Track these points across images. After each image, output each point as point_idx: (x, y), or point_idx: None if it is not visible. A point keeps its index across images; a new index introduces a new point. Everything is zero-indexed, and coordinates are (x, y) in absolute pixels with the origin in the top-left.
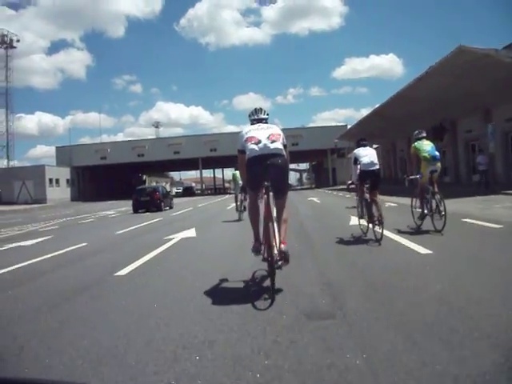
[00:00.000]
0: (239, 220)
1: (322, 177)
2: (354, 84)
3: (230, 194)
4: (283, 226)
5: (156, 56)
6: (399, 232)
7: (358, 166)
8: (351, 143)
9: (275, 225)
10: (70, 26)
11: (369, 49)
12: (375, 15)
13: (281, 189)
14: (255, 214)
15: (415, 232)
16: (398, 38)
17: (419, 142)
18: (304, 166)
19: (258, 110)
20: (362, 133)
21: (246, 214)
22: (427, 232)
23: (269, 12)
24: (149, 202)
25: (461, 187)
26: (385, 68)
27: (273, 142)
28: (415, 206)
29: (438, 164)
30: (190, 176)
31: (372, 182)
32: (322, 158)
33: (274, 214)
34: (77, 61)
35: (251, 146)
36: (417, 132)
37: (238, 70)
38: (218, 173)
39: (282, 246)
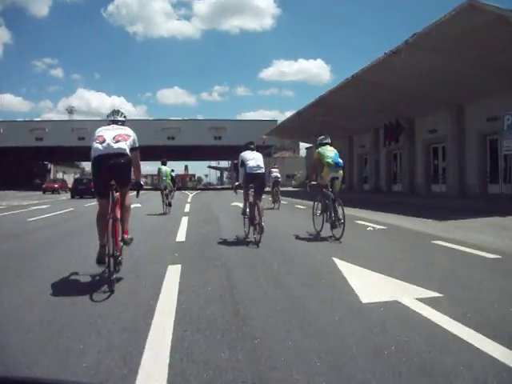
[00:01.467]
0: (165, 214)
1: None
2: (281, 86)
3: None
4: (125, 215)
5: (80, 41)
6: (296, 238)
7: (245, 169)
8: (286, 141)
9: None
10: None
11: (298, 52)
12: (307, 20)
13: (124, 185)
14: (104, 220)
15: (313, 238)
16: (327, 45)
17: (323, 147)
18: (225, 163)
19: (115, 112)
20: (298, 128)
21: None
22: (326, 239)
23: (200, 6)
24: (85, 190)
25: (418, 198)
26: (312, 73)
27: (117, 141)
28: (316, 212)
29: (340, 171)
30: None
31: (256, 186)
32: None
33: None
34: None
35: (96, 145)
36: (322, 137)
37: (164, 63)
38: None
39: (125, 236)
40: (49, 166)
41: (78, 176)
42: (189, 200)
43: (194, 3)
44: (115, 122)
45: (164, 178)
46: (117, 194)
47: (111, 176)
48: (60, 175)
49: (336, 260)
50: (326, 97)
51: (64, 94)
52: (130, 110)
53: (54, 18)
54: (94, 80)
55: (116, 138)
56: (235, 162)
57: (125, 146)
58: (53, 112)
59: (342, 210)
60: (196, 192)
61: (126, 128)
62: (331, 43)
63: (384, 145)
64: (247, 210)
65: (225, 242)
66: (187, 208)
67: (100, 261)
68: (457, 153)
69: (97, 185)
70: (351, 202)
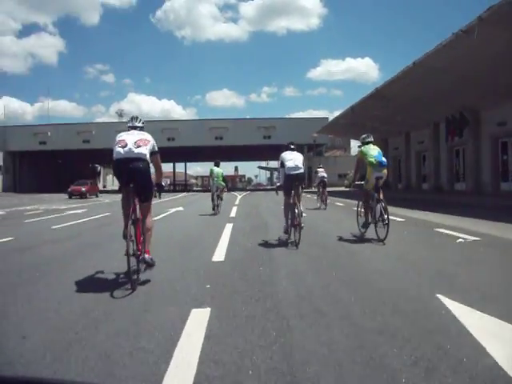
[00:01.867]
0: (214, 214)
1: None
2: (329, 86)
3: (193, 191)
4: (147, 235)
5: (130, 47)
6: (340, 239)
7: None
8: (337, 139)
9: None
10: (43, 9)
11: (345, 51)
12: (354, 19)
13: (143, 193)
14: (127, 208)
15: (357, 240)
16: (375, 43)
17: (366, 146)
18: (275, 163)
19: (133, 118)
20: (351, 124)
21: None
22: (369, 241)
23: (247, 8)
24: None
25: (486, 197)
26: (360, 72)
27: (138, 146)
28: (360, 213)
29: (385, 170)
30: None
31: (295, 186)
32: None
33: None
34: (49, 46)
35: (118, 148)
36: (364, 136)
37: (212, 66)
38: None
39: (146, 256)
40: (98, 168)
41: None
42: (237, 202)
43: (240, 5)
44: (134, 128)
45: (216, 179)
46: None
47: (130, 179)
48: (110, 177)
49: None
50: (383, 89)
51: (115, 98)
52: (180, 112)
53: (105, 26)
54: (144, 84)
55: (137, 143)
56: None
57: (145, 151)
58: (105, 116)
59: (387, 210)
60: (245, 193)
61: (145, 133)
62: (379, 41)
63: (446, 140)
64: (289, 212)
65: (273, 260)
66: (233, 212)
67: (125, 236)
68: None
69: (120, 186)
70: (414, 203)
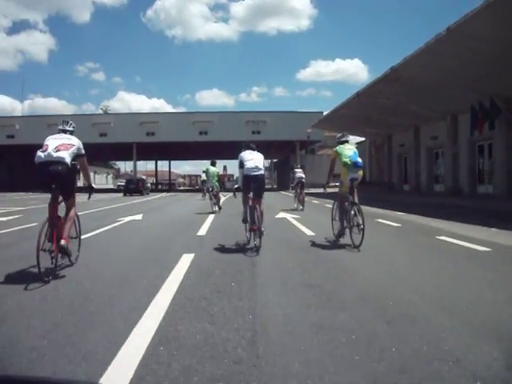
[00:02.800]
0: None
1: (285, 176)
2: (319, 87)
3: (178, 190)
4: (67, 224)
5: (121, 45)
6: (313, 244)
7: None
8: (329, 138)
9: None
10: (33, 7)
11: (335, 52)
12: (344, 20)
13: (64, 192)
14: (50, 208)
15: (330, 245)
16: (364, 44)
17: (341, 146)
18: (265, 162)
19: (64, 122)
20: (353, 116)
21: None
22: (343, 247)
23: (237, 8)
24: (134, 189)
25: None
26: (350, 73)
27: (58, 151)
28: (335, 216)
29: (360, 172)
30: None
31: (255, 188)
32: (289, 153)
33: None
34: (39, 43)
35: (39, 153)
36: (340, 135)
37: (202, 65)
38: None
39: (62, 241)
40: (77, 165)
41: (128, 178)
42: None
43: (231, 5)
44: (64, 132)
45: (211, 179)
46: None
47: (51, 181)
48: (91, 176)
49: None
50: (400, 68)
51: (105, 97)
52: (170, 111)
53: (96, 24)
54: (134, 83)
55: (58, 148)
56: (274, 160)
57: (65, 154)
58: None
59: (361, 213)
60: (231, 194)
61: (72, 137)
62: (368, 43)
63: (471, 133)
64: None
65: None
66: (205, 226)
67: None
68: None
69: (39, 187)
70: (435, 210)
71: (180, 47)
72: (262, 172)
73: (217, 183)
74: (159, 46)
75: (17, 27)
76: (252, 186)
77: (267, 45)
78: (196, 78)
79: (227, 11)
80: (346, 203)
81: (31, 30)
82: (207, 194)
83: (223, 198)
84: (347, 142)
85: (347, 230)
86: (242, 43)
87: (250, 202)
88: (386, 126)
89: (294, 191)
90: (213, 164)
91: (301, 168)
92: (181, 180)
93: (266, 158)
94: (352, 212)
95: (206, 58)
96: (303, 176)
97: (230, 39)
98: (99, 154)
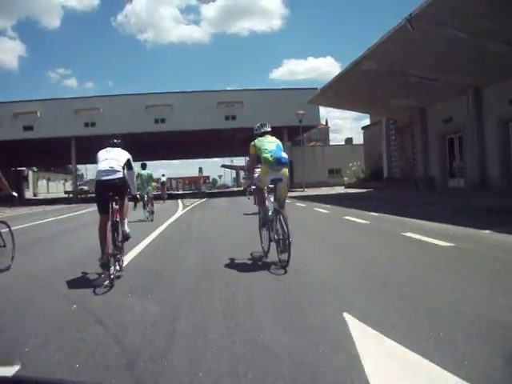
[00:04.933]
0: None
1: None
2: (292, 86)
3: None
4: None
5: (92, 50)
6: (229, 265)
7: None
8: (314, 131)
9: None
10: (1, 13)
11: (308, 51)
12: (316, 19)
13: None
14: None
15: (251, 265)
16: (336, 42)
17: (260, 138)
18: (243, 161)
19: None
20: (376, 78)
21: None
22: (268, 266)
23: (208, 10)
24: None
25: None
26: (323, 71)
27: None
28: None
29: (284, 170)
30: None
31: (111, 198)
32: None
33: None
34: (8, 50)
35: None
36: (258, 125)
37: (175, 68)
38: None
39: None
40: (26, 172)
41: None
42: (163, 227)
43: (202, 7)
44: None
45: (145, 186)
46: None
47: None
48: (43, 183)
49: None
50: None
51: None
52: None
53: (66, 30)
54: (107, 88)
55: None
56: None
57: None
58: None
59: (286, 224)
60: (201, 200)
61: None
62: (340, 40)
63: None
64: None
65: None
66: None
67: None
68: None
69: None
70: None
71: (152, 51)
72: (119, 175)
73: (151, 188)
74: (131, 49)
75: None
76: (105, 194)
77: (240, 46)
78: (169, 81)
79: (198, 13)
80: (268, 211)
81: (0, 37)
82: (144, 204)
83: (180, 210)
84: (268, 133)
85: (273, 244)
86: (215, 45)
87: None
88: (427, 91)
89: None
90: (143, 167)
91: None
92: (154, 184)
93: (242, 152)
94: (277, 222)
95: (179, 61)
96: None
97: (202, 41)
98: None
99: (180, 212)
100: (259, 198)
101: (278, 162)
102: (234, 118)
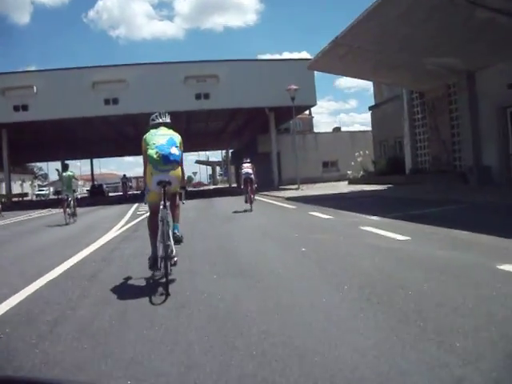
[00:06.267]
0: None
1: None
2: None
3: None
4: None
5: (64, 47)
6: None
7: None
8: (297, 121)
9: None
10: None
11: (283, 46)
12: (290, 13)
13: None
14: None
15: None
16: (311, 37)
17: (153, 131)
18: (218, 155)
19: None
20: (411, 27)
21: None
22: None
23: (182, 5)
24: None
25: None
26: None
27: None
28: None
29: (176, 171)
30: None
31: None
32: (255, 133)
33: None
34: None
35: None
36: (156, 115)
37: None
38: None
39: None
40: None
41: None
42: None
43: (175, 3)
44: None
45: (68, 187)
46: None
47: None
48: (16, 186)
49: None
50: None
51: None
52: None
53: (36, 26)
54: None
55: None
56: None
57: None
58: None
59: (169, 238)
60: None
61: None
62: (315, 35)
63: None
64: None
65: None
66: None
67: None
68: None
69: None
70: None
71: (125, 47)
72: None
73: (72, 189)
74: (103, 46)
75: None
76: None
77: (214, 41)
78: None
79: (171, 9)
80: (159, 220)
81: None
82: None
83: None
84: (165, 125)
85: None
86: (189, 40)
87: None
88: (489, 40)
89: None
90: (65, 167)
91: (249, 162)
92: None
93: (218, 142)
94: (161, 234)
95: (153, 57)
96: (250, 172)
97: (175, 37)
98: None
99: (106, 237)
100: (150, 222)
101: (165, 161)
102: (206, 96)
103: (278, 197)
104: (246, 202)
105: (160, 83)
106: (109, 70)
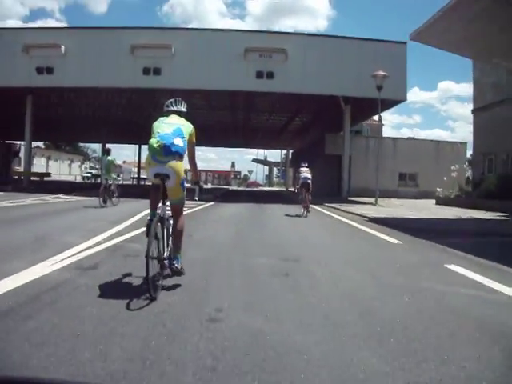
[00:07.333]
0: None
1: (315, 174)
2: None
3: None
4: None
5: None
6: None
7: None
8: (365, 125)
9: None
10: None
11: None
12: (361, 22)
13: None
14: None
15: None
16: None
17: (162, 118)
18: (277, 154)
19: None
20: None
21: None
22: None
23: (254, 6)
24: None
25: None
26: None
27: None
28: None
29: (174, 163)
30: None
31: None
32: (322, 131)
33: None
34: None
35: None
36: (172, 101)
37: None
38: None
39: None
40: (18, 146)
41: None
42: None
43: (247, 3)
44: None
45: (104, 172)
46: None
47: None
48: (40, 162)
49: None
50: None
51: None
52: (77, 26)
53: (112, 16)
54: None
55: None
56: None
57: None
58: None
59: (168, 240)
60: (202, 206)
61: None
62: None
63: None
64: None
65: None
66: None
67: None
68: None
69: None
70: None
71: None
72: None
73: (112, 175)
74: None
75: (33, 15)
76: None
77: None
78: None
79: (244, 8)
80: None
81: (47, 19)
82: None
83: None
84: (177, 113)
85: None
86: None
87: None
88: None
89: (300, 194)
90: (106, 152)
91: (307, 167)
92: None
93: (279, 141)
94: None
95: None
96: (309, 177)
97: None
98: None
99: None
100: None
101: (166, 151)
102: (270, 75)
103: (353, 214)
104: (304, 207)
105: (213, 54)
106: (151, 32)
